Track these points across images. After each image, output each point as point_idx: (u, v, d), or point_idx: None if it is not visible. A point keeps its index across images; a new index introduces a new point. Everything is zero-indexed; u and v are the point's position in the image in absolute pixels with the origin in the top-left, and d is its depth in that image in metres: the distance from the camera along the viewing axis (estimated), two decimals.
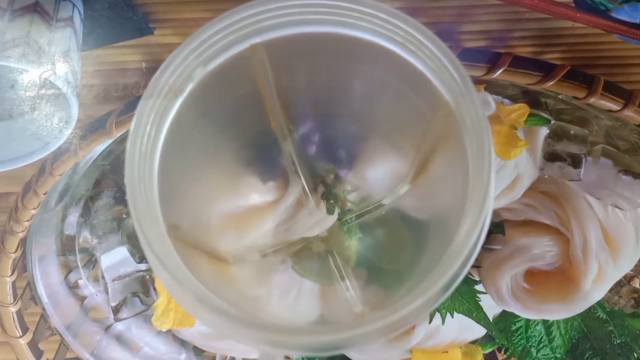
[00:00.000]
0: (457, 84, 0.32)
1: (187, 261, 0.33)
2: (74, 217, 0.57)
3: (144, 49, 0.48)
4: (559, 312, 0.59)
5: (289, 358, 0.65)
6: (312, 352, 0.33)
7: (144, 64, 0.48)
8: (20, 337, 0.57)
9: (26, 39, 0.38)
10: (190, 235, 0.36)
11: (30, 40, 0.38)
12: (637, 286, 0.61)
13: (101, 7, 0.44)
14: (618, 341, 0.63)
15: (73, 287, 0.61)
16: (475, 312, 0.58)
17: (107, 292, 0.58)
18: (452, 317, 0.58)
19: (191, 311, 0.33)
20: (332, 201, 0.43)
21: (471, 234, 0.31)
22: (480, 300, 0.58)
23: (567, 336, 0.63)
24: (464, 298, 0.58)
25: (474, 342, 0.64)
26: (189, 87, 0.34)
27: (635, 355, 0.63)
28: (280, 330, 0.32)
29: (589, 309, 0.59)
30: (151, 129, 0.33)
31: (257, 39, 0.33)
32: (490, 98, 0.47)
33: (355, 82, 0.38)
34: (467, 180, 0.33)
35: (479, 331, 0.63)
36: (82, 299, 0.61)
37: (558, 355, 0.63)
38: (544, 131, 0.51)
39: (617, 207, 0.54)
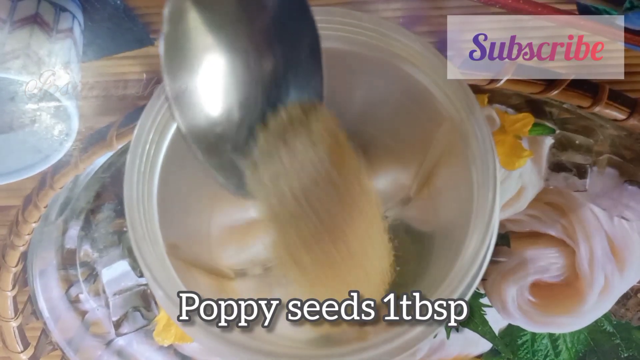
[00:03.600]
0: (460, 100, 0.32)
1: (186, 280, 0.33)
2: (74, 230, 0.57)
3: (144, 59, 0.48)
4: (565, 325, 0.59)
5: None
6: None
7: (144, 75, 0.48)
8: (22, 352, 0.57)
9: (26, 50, 0.38)
10: (190, 253, 0.36)
11: (30, 52, 0.38)
12: None
13: (101, 18, 0.44)
14: (625, 355, 0.62)
15: (74, 302, 0.60)
16: (481, 326, 0.57)
17: (108, 306, 0.58)
18: (457, 331, 0.57)
19: (188, 332, 0.33)
20: None
21: (477, 255, 0.31)
22: (485, 314, 0.57)
23: (574, 350, 0.63)
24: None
25: (479, 357, 0.64)
26: None
27: None
28: (278, 355, 0.31)
29: (596, 322, 0.59)
30: (150, 149, 0.33)
31: None
32: (495, 114, 0.46)
33: (358, 97, 0.38)
34: (472, 196, 0.32)
35: (485, 345, 0.62)
36: (83, 313, 0.61)
37: None
38: (548, 141, 0.51)
39: (623, 217, 0.53)
